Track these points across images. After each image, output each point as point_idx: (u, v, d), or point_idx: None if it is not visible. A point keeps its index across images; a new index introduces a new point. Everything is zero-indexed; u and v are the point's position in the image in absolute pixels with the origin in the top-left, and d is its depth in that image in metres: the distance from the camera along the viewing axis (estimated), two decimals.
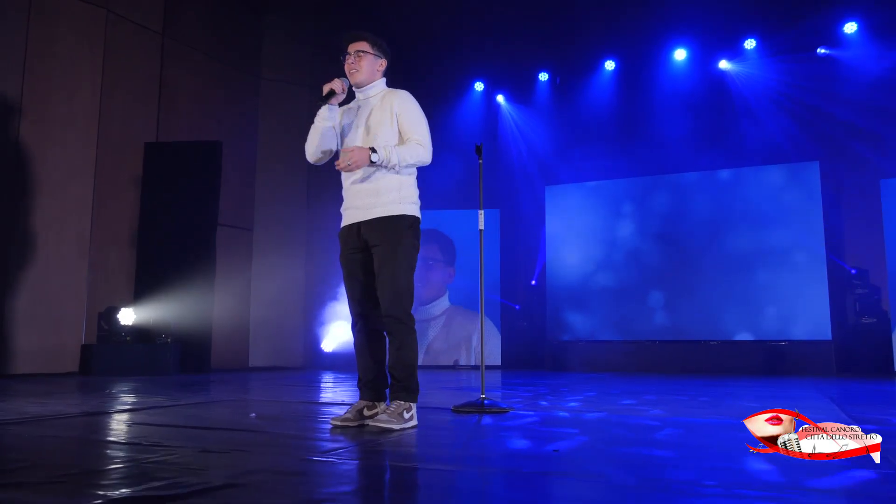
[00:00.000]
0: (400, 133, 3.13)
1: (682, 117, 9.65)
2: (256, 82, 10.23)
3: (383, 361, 3.18)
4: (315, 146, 3.18)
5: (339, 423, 3.04)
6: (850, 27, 9.02)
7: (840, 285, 8.94)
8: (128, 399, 4.45)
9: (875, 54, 8.78)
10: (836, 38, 9.11)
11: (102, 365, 7.38)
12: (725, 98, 9.64)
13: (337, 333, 9.91)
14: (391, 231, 3.06)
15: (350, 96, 3.29)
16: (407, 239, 3.08)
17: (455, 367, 9.94)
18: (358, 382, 3.18)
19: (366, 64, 3.16)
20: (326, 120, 3.14)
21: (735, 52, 9.66)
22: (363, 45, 3.17)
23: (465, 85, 11.22)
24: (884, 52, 8.76)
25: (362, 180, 3.10)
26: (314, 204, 10.13)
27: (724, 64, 9.74)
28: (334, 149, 3.25)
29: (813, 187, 8.93)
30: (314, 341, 10.04)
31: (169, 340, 7.71)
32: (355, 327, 3.18)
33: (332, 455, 2.36)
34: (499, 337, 10.10)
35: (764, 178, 9.29)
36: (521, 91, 11.07)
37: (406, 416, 2.98)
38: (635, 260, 9.84)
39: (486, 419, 3.42)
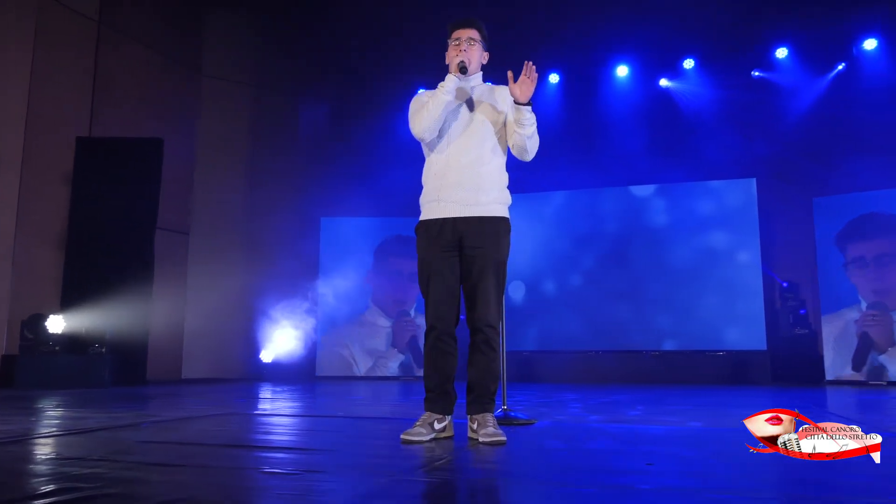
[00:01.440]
0: (507, 129, 3.04)
1: (625, 132, 9.83)
2: (197, 79, 9.67)
3: (455, 372, 2.95)
4: (438, 120, 2.93)
5: (412, 439, 2.77)
6: (782, 52, 9.49)
7: (774, 298, 9.33)
8: (100, 415, 4.00)
9: (805, 79, 9.30)
10: (769, 62, 9.57)
11: (27, 377, 6.75)
12: (666, 115, 9.90)
13: (278, 343, 9.47)
14: (495, 235, 2.92)
15: (441, 76, 3.10)
16: (508, 246, 2.98)
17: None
18: (429, 393, 2.91)
19: (476, 52, 3.04)
20: (453, 93, 2.92)
21: (675, 72, 9.96)
22: (475, 34, 3.05)
23: (409, 93, 11.05)
24: (812, 77, 9.28)
25: (464, 168, 2.91)
26: (255, 208, 9.65)
27: (664, 82, 10.03)
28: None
29: (750, 203, 9.30)
30: (253, 351, 9.54)
31: (103, 350, 7.14)
32: (432, 332, 2.92)
33: (432, 475, 2.15)
34: None
35: (703, 193, 9.59)
36: None
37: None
38: (577, 271, 9.91)
39: (524, 432, 3.25)
